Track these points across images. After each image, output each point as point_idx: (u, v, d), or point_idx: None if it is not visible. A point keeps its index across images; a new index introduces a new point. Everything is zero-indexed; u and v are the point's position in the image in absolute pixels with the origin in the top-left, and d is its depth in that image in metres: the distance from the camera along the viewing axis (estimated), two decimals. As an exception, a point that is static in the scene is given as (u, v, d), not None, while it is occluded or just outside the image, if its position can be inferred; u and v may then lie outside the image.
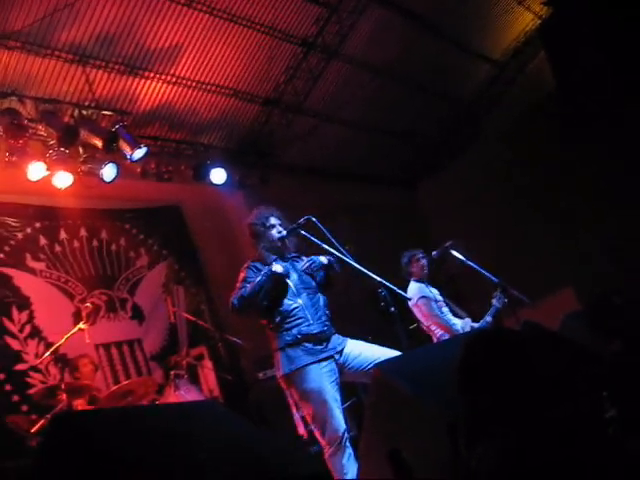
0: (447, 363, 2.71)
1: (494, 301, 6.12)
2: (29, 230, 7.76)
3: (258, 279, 4.45)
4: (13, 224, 7.64)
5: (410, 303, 6.15)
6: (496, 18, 9.71)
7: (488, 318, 6.17)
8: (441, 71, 9.84)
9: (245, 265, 4.73)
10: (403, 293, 4.57)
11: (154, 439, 2.23)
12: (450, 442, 2.46)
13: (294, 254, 4.83)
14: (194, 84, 8.25)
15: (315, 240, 4.47)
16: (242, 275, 4.67)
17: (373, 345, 4.55)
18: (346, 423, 4.38)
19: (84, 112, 7.28)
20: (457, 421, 2.25)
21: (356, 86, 9.51)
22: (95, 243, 8.30)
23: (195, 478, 2.06)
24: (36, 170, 6.90)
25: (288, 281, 4.59)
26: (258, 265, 4.67)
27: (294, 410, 4.53)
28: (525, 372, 2.21)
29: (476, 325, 6.26)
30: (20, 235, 7.65)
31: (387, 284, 4.17)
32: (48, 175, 7.05)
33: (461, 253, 6.29)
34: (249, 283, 4.55)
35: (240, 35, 8.06)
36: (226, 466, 2.18)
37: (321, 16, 8.48)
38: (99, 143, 7.11)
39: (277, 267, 4.46)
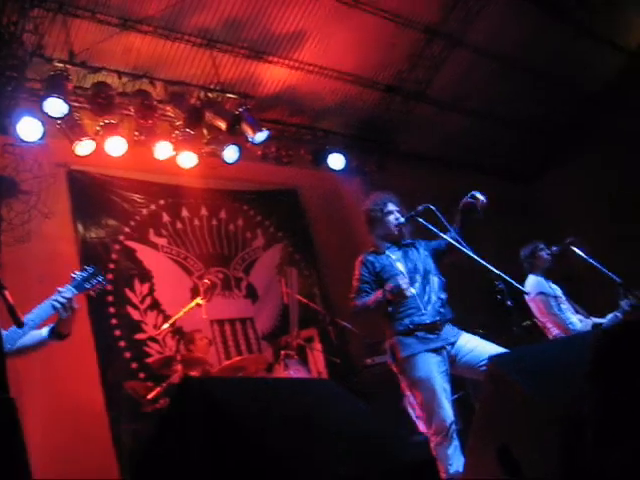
0: (566, 362, 2.63)
1: (622, 303, 5.86)
2: (153, 207, 8.08)
3: (378, 299, 4.39)
4: (139, 200, 7.99)
5: (527, 298, 5.99)
6: (629, 3, 9.22)
7: (618, 314, 5.93)
8: (569, 60, 9.47)
9: (359, 259, 4.73)
10: (521, 287, 4.46)
11: (278, 410, 2.28)
12: (564, 443, 2.38)
13: (409, 241, 4.80)
14: (316, 69, 8.32)
15: (433, 228, 4.43)
16: (356, 273, 4.68)
17: (487, 342, 4.46)
18: (454, 415, 4.33)
19: (210, 95, 7.50)
20: (583, 419, 2.15)
21: (479, 75, 9.31)
22: (214, 222, 8.55)
23: (312, 452, 2.09)
24: (163, 149, 7.19)
25: (400, 268, 4.57)
26: (371, 258, 4.66)
27: (407, 393, 4.51)
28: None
29: (602, 321, 6.02)
30: (145, 211, 7.99)
31: (505, 277, 4.08)
32: (173, 155, 7.33)
33: (582, 250, 6.07)
34: (364, 282, 4.58)
35: (364, 21, 8.04)
36: (342, 443, 2.21)
37: (447, 2, 8.33)
38: (223, 125, 7.31)
39: (391, 287, 4.33)
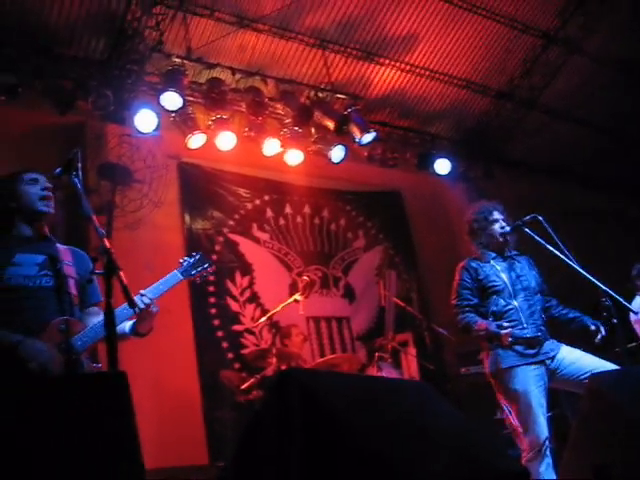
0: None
1: None
2: (258, 202, 8.25)
3: (481, 332, 4.28)
4: (244, 195, 8.18)
5: (634, 318, 5.76)
6: None
7: None
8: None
9: (462, 264, 4.65)
10: (629, 305, 4.29)
11: (377, 409, 2.28)
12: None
13: (514, 252, 4.70)
14: (427, 73, 8.27)
15: (540, 240, 4.31)
16: (458, 277, 4.60)
17: (589, 355, 4.32)
18: (549, 432, 4.21)
19: (319, 94, 7.59)
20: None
21: (597, 84, 8.98)
22: (317, 221, 8.64)
23: (415, 456, 2.09)
24: (271, 146, 7.33)
25: (504, 279, 4.48)
26: (474, 265, 4.57)
27: (504, 405, 4.41)
28: None
29: None
30: (250, 206, 8.17)
31: (612, 294, 3.94)
32: (281, 152, 7.46)
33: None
34: (465, 288, 4.49)
35: (478, 25, 7.94)
36: (443, 449, 2.18)
37: (567, 8, 8.09)
38: (331, 125, 7.38)
39: (503, 333, 4.23)
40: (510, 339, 4.20)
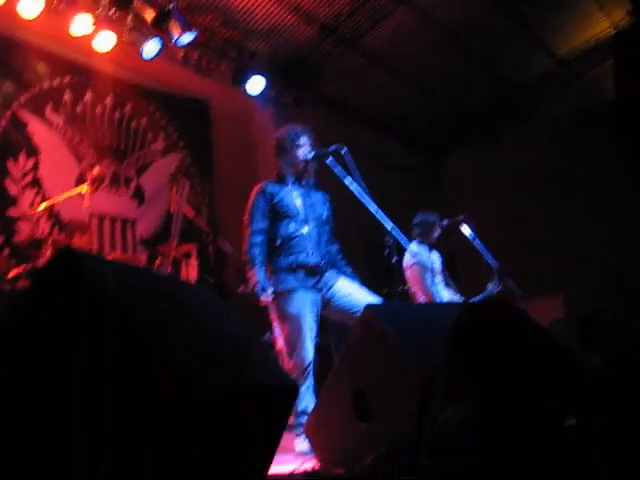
0: (438, 323, 2.70)
1: (490, 285, 6.14)
2: (57, 81, 7.65)
3: (252, 283, 4.37)
4: (42, 71, 7.54)
5: (405, 263, 6.12)
6: (573, 16, 9.41)
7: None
8: (504, 49, 9.61)
9: (259, 186, 4.65)
10: (407, 246, 4.55)
11: (160, 300, 2.21)
12: (421, 398, 2.46)
13: (312, 182, 4.78)
14: (257, -16, 8.00)
15: (339, 172, 4.40)
16: (253, 199, 4.60)
17: (365, 290, 4.53)
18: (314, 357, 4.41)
19: (144, -20, 7.09)
20: (436, 378, 2.24)
21: (417, 39, 9.24)
22: (117, 115, 8.21)
23: (193, 352, 2.05)
24: (81, 23, 6.73)
25: (299, 205, 4.56)
26: (271, 187, 4.60)
27: (274, 325, 4.53)
28: (517, 348, 2.18)
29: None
30: (46, 84, 7.55)
31: (396, 234, 4.13)
32: (90, 33, 6.91)
33: (470, 230, 6.25)
34: (258, 209, 4.52)
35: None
36: (226, 355, 2.17)
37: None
38: (150, 16, 6.94)
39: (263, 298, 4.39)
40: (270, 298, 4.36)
